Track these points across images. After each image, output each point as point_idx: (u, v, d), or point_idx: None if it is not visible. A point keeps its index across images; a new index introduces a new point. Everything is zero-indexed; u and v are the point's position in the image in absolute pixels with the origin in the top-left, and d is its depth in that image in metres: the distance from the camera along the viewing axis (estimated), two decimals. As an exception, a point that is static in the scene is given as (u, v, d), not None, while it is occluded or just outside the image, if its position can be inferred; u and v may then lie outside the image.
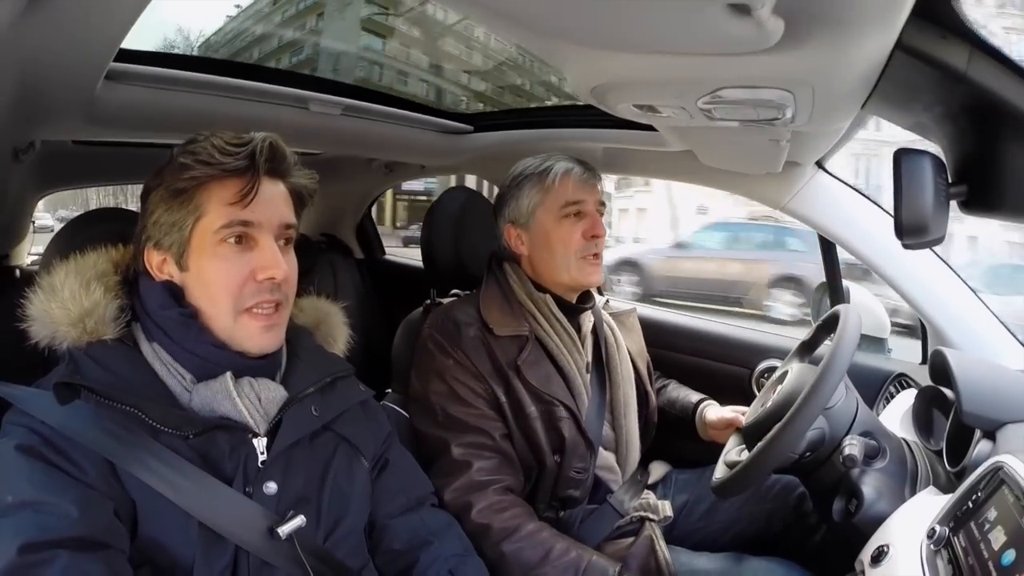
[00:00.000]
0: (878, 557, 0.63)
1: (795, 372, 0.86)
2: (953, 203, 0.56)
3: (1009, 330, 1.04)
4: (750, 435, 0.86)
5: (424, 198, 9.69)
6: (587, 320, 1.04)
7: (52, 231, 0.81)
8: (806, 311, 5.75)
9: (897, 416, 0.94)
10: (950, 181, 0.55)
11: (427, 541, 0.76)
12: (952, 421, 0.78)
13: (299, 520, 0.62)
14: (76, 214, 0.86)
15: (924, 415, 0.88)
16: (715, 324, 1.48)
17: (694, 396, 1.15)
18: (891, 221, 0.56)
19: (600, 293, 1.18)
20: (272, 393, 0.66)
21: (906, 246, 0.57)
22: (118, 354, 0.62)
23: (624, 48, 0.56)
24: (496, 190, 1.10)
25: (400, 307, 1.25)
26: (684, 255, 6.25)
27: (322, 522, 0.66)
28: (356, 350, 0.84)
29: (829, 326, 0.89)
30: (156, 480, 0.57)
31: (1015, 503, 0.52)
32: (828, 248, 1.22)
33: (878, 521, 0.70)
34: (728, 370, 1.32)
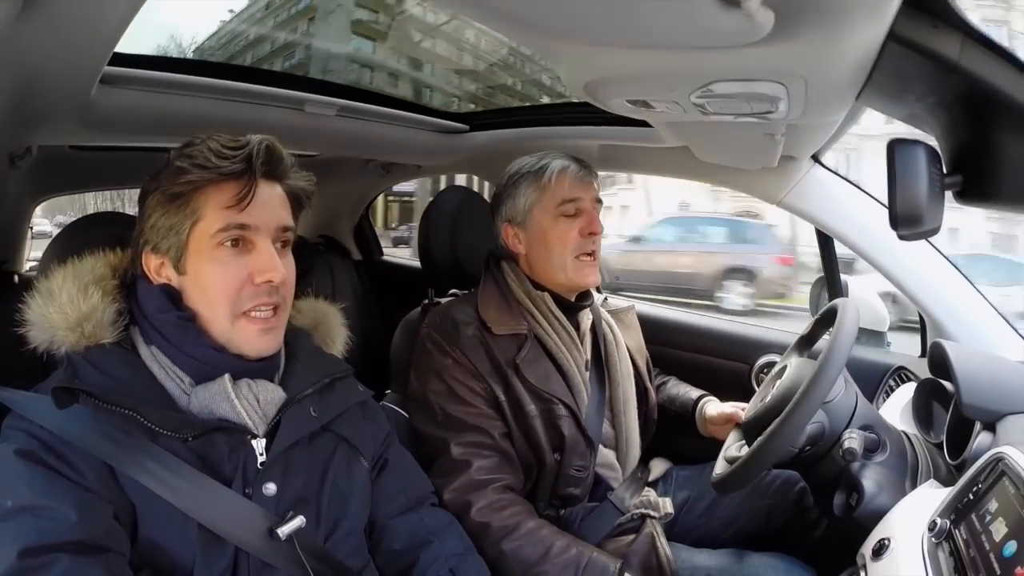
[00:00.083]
0: (879, 551, 0.63)
1: (794, 366, 0.86)
2: (948, 194, 0.56)
3: (1008, 321, 1.04)
4: (750, 430, 0.86)
5: (407, 199, 9.81)
6: (586, 318, 1.04)
7: (50, 237, 0.81)
8: (757, 301, 5.91)
9: (897, 409, 0.94)
10: (945, 171, 0.55)
11: (427, 540, 0.75)
12: (952, 413, 0.78)
13: (299, 521, 0.62)
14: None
15: (924, 408, 0.88)
16: (714, 320, 1.48)
17: (694, 392, 1.15)
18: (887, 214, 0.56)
19: (598, 291, 1.18)
20: (271, 394, 0.66)
21: (901, 237, 0.57)
22: (116, 358, 0.62)
23: (615, 43, 0.56)
24: (485, 185, 1.10)
25: (398, 308, 1.25)
26: (639, 249, 6.44)
27: (322, 522, 0.66)
28: (355, 351, 0.84)
29: (827, 320, 0.89)
30: (155, 483, 0.57)
31: (1016, 494, 0.52)
32: (825, 242, 1.22)
33: (879, 515, 0.70)
34: (727, 366, 1.32)
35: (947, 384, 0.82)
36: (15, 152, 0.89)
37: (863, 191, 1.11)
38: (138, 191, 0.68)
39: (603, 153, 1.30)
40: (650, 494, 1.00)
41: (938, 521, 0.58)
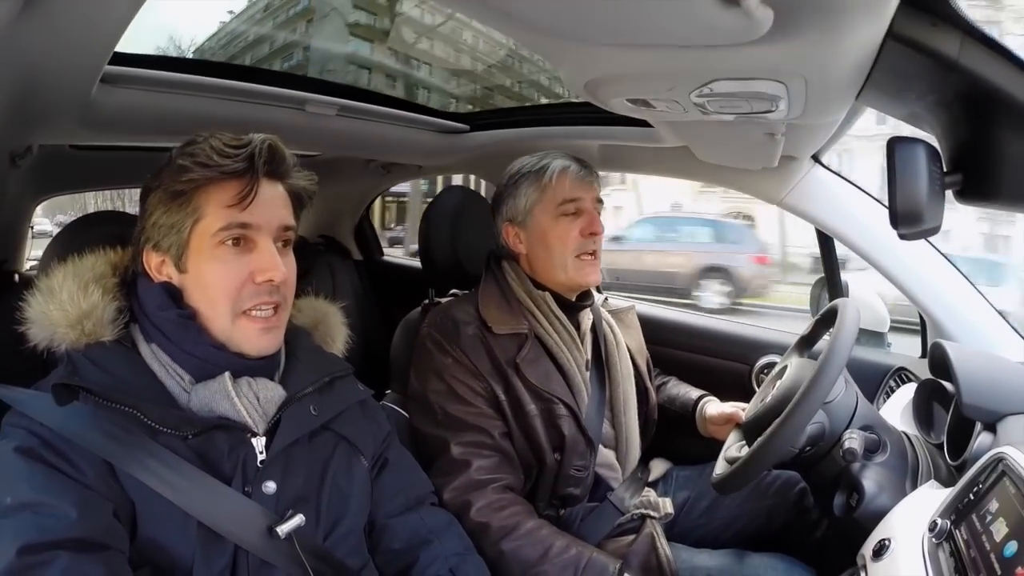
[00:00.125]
0: (880, 551, 0.63)
1: (794, 367, 0.86)
2: (949, 193, 0.56)
3: (1008, 322, 1.04)
4: (750, 430, 0.86)
5: (401, 199, 9.92)
6: (586, 318, 1.04)
7: (51, 236, 0.81)
8: (734, 300, 5.97)
9: (897, 410, 0.93)
10: (945, 170, 0.55)
11: (427, 540, 0.75)
12: (952, 414, 0.78)
13: (298, 519, 0.62)
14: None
15: (924, 408, 0.88)
16: (714, 321, 1.48)
17: (694, 392, 1.14)
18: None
19: (599, 291, 1.18)
20: (270, 393, 0.66)
21: (902, 236, 0.57)
22: (116, 355, 0.62)
23: (615, 42, 0.56)
24: (484, 185, 1.10)
25: (398, 308, 1.25)
26: (618, 248, 6.48)
27: (321, 521, 0.66)
28: (355, 351, 0.84)
29: (828, 320, 0.89)
30: (155, 480, 0.57)
31: (1016, 495, 0.52)
32: (826, 242, 1.22)
33: (879, 515, 0.69)
34: (728, 366, 1.31)
35: (947, 385, 0.81)
36: (16, 151, 0.89)
37: (863, 191, 1.11)
38: (138, 191, 0.68)
39: (603, 153, 1.30)
40: (650, 494, 1.00)
41: (939, 521, 0.58)
